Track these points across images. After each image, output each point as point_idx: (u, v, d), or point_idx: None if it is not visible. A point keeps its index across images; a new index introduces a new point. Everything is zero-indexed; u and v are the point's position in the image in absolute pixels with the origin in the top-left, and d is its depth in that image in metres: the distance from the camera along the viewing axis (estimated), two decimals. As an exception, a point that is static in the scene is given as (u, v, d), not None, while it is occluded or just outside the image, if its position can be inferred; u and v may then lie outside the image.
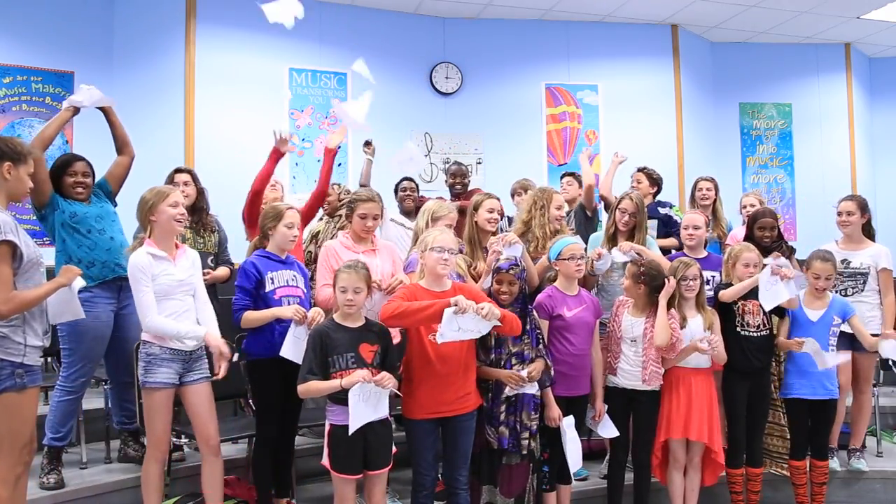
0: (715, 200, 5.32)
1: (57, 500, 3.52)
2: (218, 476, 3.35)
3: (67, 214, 3.70)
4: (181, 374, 3.27)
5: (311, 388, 3.06)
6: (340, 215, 4.76)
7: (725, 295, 3.88)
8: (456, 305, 2.98)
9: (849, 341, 4.29)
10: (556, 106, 7.79)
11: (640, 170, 5.32)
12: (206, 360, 3.37)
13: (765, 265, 3.88)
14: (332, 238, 4.50)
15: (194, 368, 3.32)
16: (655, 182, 5.22)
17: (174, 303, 3.24)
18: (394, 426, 3.32)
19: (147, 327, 3.20)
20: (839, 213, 4.56)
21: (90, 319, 3.55)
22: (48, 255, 4.11)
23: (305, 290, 3.59)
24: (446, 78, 7.55)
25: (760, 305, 3.93)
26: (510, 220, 4.88)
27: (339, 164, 7.11)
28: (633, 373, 3.71)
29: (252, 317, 3.41)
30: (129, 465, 3.92)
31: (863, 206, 4.52)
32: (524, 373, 3.33)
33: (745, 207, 5.21)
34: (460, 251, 3.66)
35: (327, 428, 3.12)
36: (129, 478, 3.77)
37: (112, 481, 3.73)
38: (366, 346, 3.11)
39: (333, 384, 3.01)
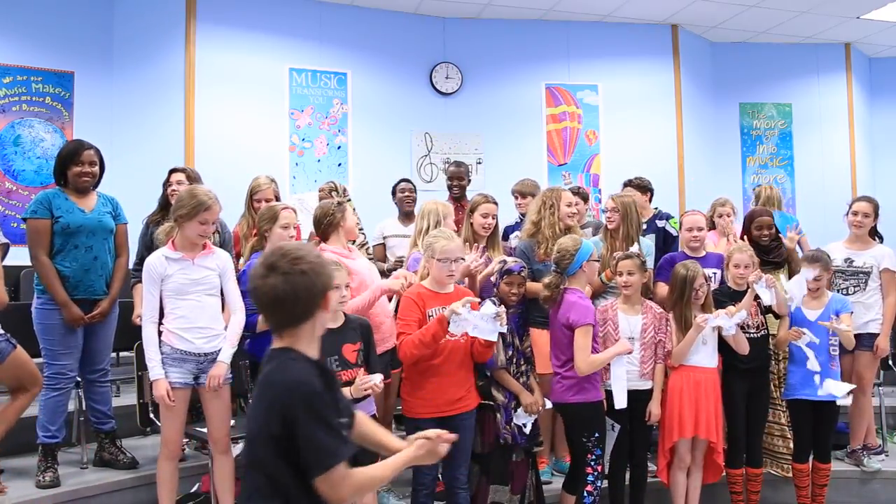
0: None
1: (57, 500, 3.52)
2: (228, 474, 3.38)
3: (60, 225, 3.68)
4: (197, 375, 3.30)
5: None
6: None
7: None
8: (454, 312, 3.05)
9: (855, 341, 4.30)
10: (557, 106, 7.79)
11: (626, 185, 5.13)
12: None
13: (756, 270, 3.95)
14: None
15: (209, 370, 3.31)
16: (646, 189, 5.10)
17: (189, 302, 3.25)
18: (393, 426, 3.33)
19: (141, 318, 3.31)
20: (854, 213, 4.57)
21: (57, 316, 3.64)
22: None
23: None
24: (446, 78, 7.55)
25: (758, 306, 3.95)
26: (522, 217, 4.85)
27: (340, 165, 7.12)
28: (632, 371, 3.70)
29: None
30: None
31: (877, 210, 4.56)
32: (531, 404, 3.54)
33: (720, 216, 4.93)
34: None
35: None
36: (129, 478, 3.78)
37: (112, 481, 3.73)
38: (348, 346, 3.12)
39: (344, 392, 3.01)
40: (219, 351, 3.32)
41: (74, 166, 3.74)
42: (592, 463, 3.50)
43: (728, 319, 3.69)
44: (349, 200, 4.54)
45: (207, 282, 3.30)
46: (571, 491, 3.64)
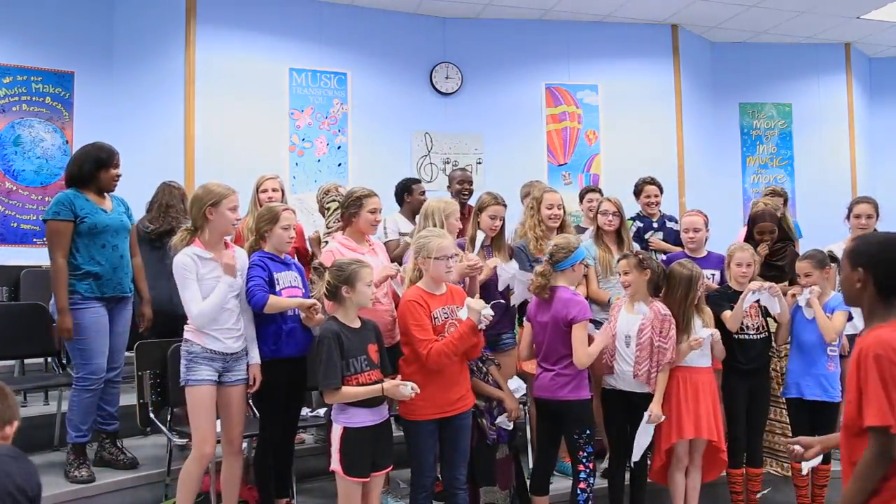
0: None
1: (57, 500, 3.52)
2: (236, 475, 3.37)
3: (87, 226, 3.69)
4: (221, 374, 3.28)
5: (350, 393, 2.99)
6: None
7: (729, 322, 3.89)
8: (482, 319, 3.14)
9: None
10: (557, 106, 7.79)
11: (649, 183, 5.16)
12: (245, 362, 3.36)
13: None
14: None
15: (233, 369, 3.31)
16: (662, 188, 5.21)
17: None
18: (392, 426, 3.33)
19: (194, 318, 3.20)
20: (857, 216, 4.55)
21: (90, 315, 3.63)
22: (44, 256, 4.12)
23: (304, 290, 3.58)
24: (446, 78, 7.55)
25: (759, 308, 3.94)
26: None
27: (340, 165, 7.13)
28: (629, 372, 3.69)
29: (277, 302, 3.31)
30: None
31: (877, 209, 4.57)
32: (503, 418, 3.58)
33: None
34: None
35: (339, 431, 3.03)
36: (129, 478, 3.78)
37: (112, 481, 3.72)
38: (371, 346, 3.12)
39: (375, 389, 3.00)
40: (243, 350, 3.32)
41: (112, 169, 3.80)
42: (584, 460, 3.50)
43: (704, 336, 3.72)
44: (337, 207, 4.56)
45: (234, 283, 3.29)
46: (539, 492, 3.66)
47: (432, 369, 3.15)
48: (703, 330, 3.72)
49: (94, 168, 3.77)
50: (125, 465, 3.88)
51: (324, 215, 4.73)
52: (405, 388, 2.99)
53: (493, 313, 3.18)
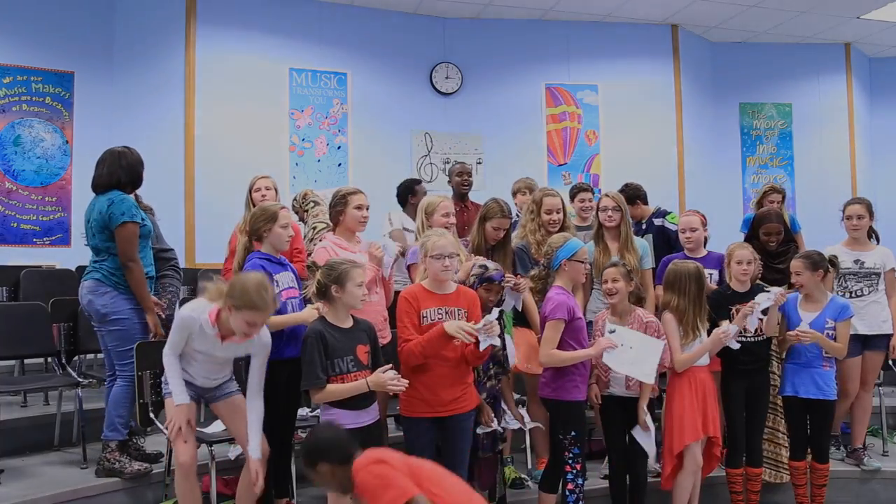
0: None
1: (57, 500, 3.52)
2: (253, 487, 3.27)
3: (147, 229, 3.74)
4: (198, 398, 3.21)
5: (333, 391, 2.99)
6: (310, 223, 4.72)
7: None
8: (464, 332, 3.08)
9: (861, 343, 4.30)
10: (556, 106, 7.80)
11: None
12: (234, 376, 3.29)
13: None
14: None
15: (215, 393, 3.24)
16: (633, 196, 5.06)
17: (201, 365, 3.13)
18: (392, 426, 3.32)
19: (163, 353, 3.13)
20: (849, 217, 4.55)
21: (139, 315, 3.67)
22: (53, 255, 4.11)
23: (299, 289, 3.57)
24: (446, 78, 7.56)
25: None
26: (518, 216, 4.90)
27: (340, 165, 7.13)
28: (619, 379, 3.67)
29: (276, 321, 3.24)
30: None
31: (870, 209, 4.55)
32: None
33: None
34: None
35: None
36: (129, 478, 3.77)
37: (112, 481, 3.72)
38: (361, 347, 3.10)
39: (359, 385, 2.99)
40: (224, 382, 3.24)
41: (142, 171, 3.85)
42: (570, 461, 3.48)
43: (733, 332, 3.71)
44: (314, 205, 4.66)
45: (227, 359, 3.20)
46: (548, 489, 3.65)
47: (405, 366, 3.15)
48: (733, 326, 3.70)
49: (140, 169, 3.82)
50: (155, 458, 3.91)
51: (304, 220, 4.75)
52: (389, 373, 2.98)
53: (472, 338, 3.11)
